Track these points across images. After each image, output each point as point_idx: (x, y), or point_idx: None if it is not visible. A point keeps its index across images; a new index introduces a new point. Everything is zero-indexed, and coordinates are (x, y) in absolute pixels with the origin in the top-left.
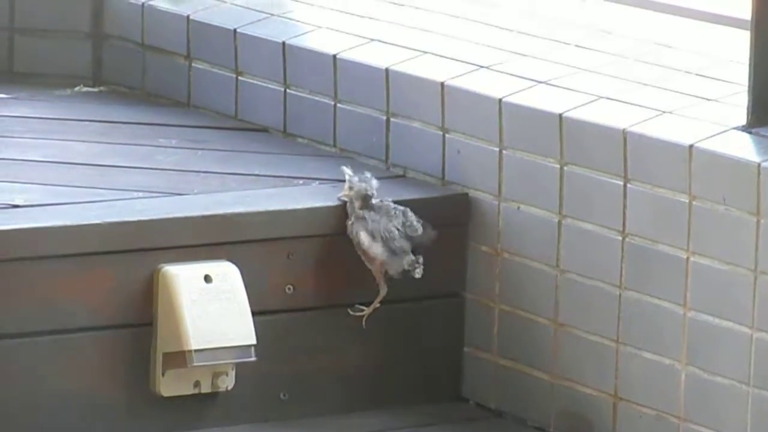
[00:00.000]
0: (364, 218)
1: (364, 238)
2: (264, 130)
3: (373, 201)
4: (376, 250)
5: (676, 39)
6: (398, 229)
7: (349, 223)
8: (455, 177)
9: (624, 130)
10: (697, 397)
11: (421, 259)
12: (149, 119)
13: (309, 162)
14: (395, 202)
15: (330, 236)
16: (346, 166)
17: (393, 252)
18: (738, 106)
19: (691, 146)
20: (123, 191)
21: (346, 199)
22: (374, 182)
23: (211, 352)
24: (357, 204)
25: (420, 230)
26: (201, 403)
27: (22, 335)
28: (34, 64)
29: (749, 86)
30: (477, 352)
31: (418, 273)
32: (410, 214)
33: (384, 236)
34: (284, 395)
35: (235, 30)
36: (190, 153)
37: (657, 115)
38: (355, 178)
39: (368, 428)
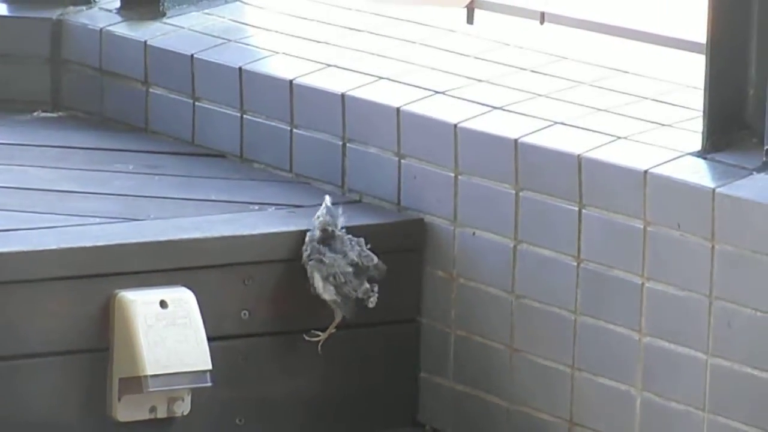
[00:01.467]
0: (321, 260)
1: (318, 282)
2: (221, 155)
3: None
4: (329, 295)
5: (632, 64)
6: (353, 265)
7: (305, 254)
8: (411, 202)
9: (579, 155)
10: (653, 423)
11: (376, 288)
12: (107, 144)
13: (265, 187)
14: (351, 228)
15: (286, 262)
16: (327, 197)
17: (345, 296)
18: (693, 131)
19: (646, 172)
20: (80, 217)
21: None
22: (341, 220)
23: (167, 377)
24: (317, 234)
25: (375, 258)
26: (157, 428)
27: None
28: None
29: (704, 111)
30: (433, 377)
31: (371, 302)
32: (363, 243)
33: (339, 281)
34: (240, 420)
35: (192, 55)
36: (147, 178)
37: (612, 141)
38: (324, 210)
39: None
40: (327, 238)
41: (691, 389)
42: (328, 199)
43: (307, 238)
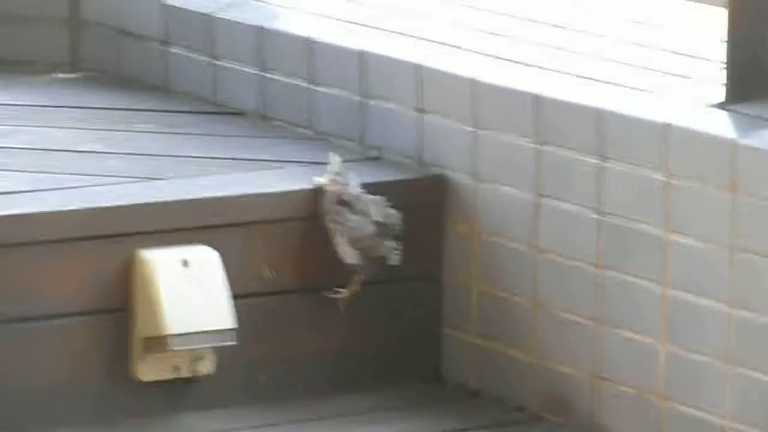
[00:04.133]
0: (343, 224)
1: (341, 247)
2: (241, 113)
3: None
4: (352, 260)
5: (654, 17)
6: (376, 223)
7: (326, 217)
8: (431, 158)
9: (600, 109)
10: (677, 375)
11: (399, 246)
12: (126, 105)
13: (286, 145)
14: (371, 185)
15: (308, 219)
16: (335, 155)
17: (369, 259)
18: (715, 83)
19: (667, 124)
20: (100, 177)
21: (320, 183)
22: (353, 185)
23: (189, 336)
24: (333, 198)
25: (397, 216)
26: (180, 387)
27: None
28: (10, 51)
29: (727, 64)
30: (455, 332)
31: (394, 260)
32: (384, 202)
33: (363, 243)
34: (264, 378)
35: (210, 14)
36: (168, 137)
37: (634, 94)
38: (340, 177)
39: (348, 410)
40: (344, 200)
41: (715, 341)
42: (333, 158)
43: (324, 201)
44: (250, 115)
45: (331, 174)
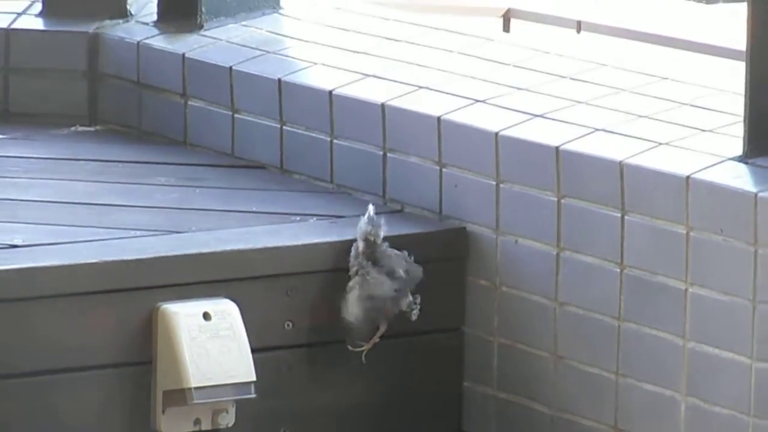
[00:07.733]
0: (366, 280)
1: (349, 302)
2: (261, 167)
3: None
4: (351, 317)
5: (672, 71)
6: (398, 280)
7: (353, 269)
8: (453, 211)
9: (621, 162)
10: (698, 428)
11: (418, 300)
12: (146, 158)
13: (306, 198)
14: (393, 238)
15: (328, 272)
16: (372, 205)
17: (386, 319)
18: (734, 136)
19: (688, 177)
20: (121, 230)
21: (360, 232)
22: (382, 230)
23: (211, 389)
24: (360, 246)
25: (421, 271)
26: None
27: (21, 375)
28: (29, 104)
29: (745, 116)
30: (477, 386)
31: (414, 315)
32: (407, 256)
33: (376, 305)
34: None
35: (230, 68)
36: (188, 191)
37: (654, 147)
38: (366, 219)
39: None
40: (371, 250)
41: (736, 394)
42: (371, 208)
43: (352, 252)
44: (270, 168)
45: (368, 228)
